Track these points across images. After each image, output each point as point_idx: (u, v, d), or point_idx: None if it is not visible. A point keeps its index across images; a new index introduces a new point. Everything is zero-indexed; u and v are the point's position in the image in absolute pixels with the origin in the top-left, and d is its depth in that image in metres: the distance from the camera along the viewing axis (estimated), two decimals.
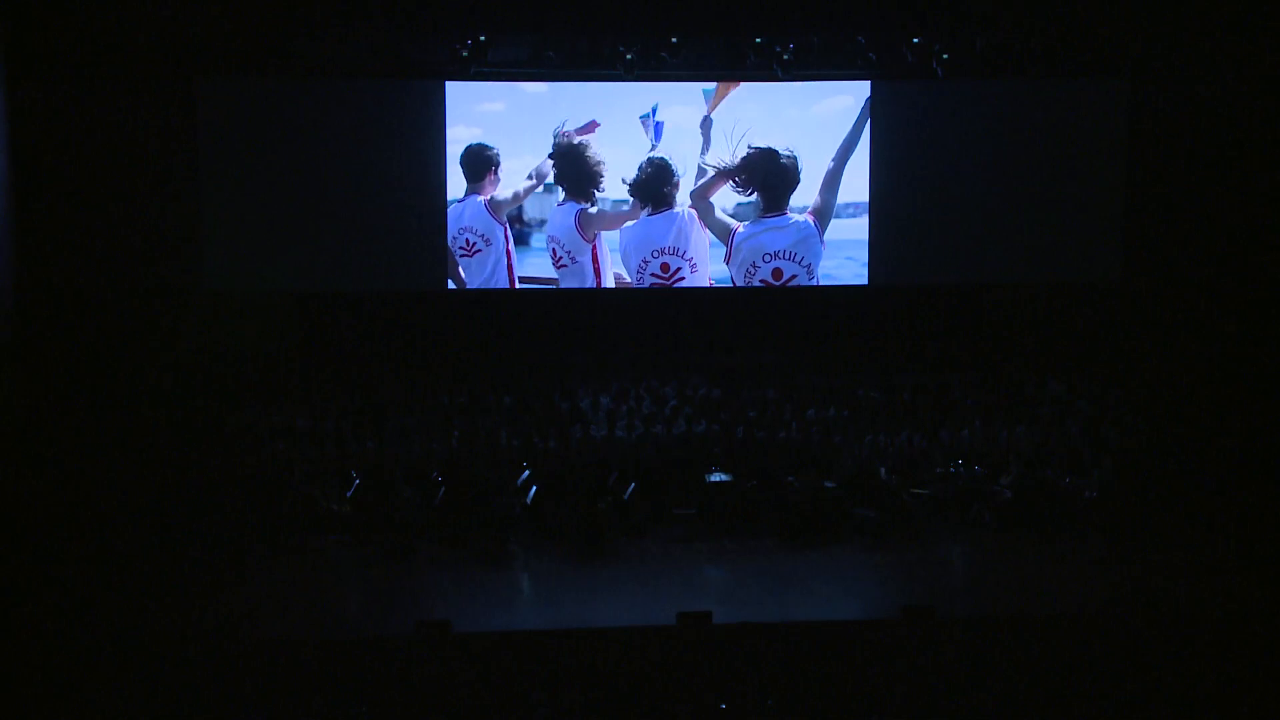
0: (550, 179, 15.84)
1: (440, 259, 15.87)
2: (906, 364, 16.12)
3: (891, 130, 16.19)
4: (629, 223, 15.95)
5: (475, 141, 15.80)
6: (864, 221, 16.28)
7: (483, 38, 14.81)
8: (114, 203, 14.85)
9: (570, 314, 16.31)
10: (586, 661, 9.27)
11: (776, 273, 16.15)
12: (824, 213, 16.11)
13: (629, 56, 14.98)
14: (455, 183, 15.81)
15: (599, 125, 15.74)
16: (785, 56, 15.17)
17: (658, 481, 13.09)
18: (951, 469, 13.14)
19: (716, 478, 12.95)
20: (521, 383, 15.39)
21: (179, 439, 13.66)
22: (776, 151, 15.87)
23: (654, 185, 15.81)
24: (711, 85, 15.65)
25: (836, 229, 16.25)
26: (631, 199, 15.84)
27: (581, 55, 15.30)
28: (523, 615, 10.85)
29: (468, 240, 15.96)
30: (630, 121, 15.86)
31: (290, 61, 14.94)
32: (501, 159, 15.83)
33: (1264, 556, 11.53)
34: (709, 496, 12.84)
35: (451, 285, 15.97)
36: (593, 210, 15.89)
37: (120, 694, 8.79)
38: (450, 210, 15.81)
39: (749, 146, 15.80)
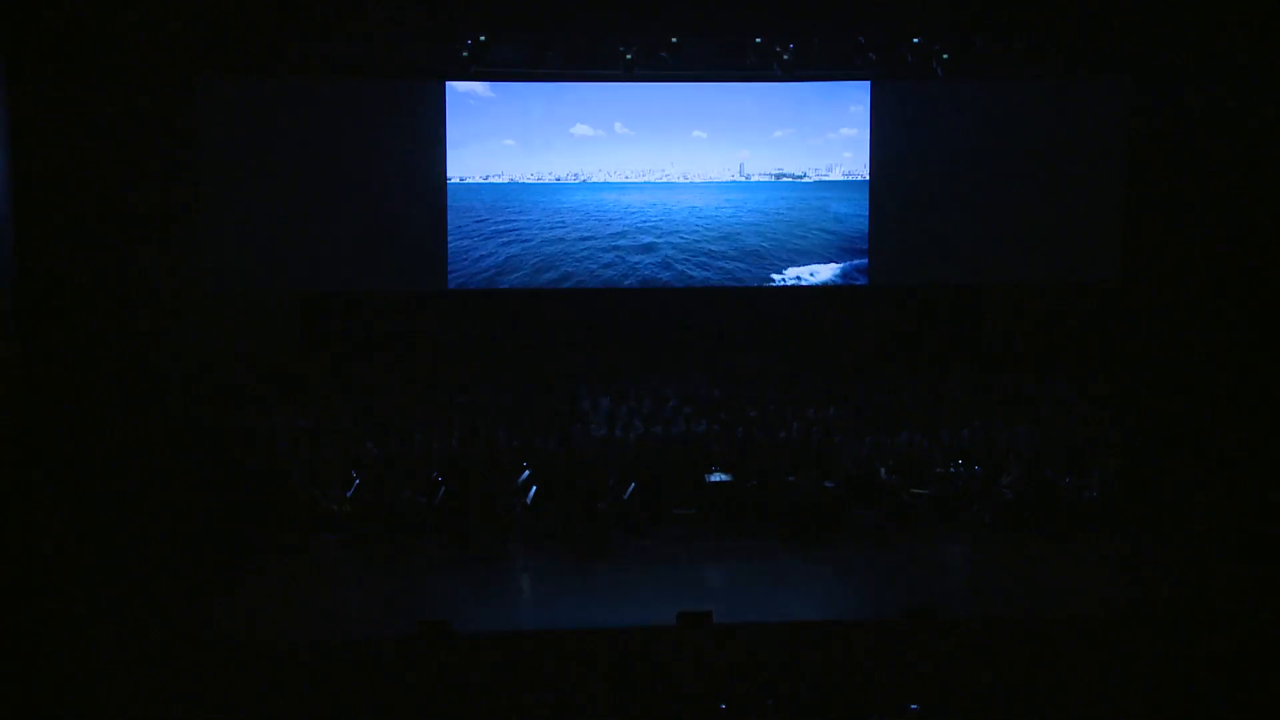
0: None
1: (441, 259, 15.88)
2: (906, 364, 16.11)
3: (891, 130, 16.20)
4: None
5: None
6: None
7: (483, 38, 14.81)
8: (114, 203, 14.84)
9: (570, 314, 16.31)
10: (586, 661, 9.27)
11: None
12: None
13: (629, 56, 14.98)
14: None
15: None
16: (785, 56, 15.17)
17: (658, 481, 13.10)
18: (951, 469, 13.14)
19: (716, 478, 12.95)
20: (521, 383, 15.40)
21: (179, 439, 13.66)
22: None
23: None
24: None
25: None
26: None
27: (581, 55, 15.30)
28: (523, 615, 10.84)
29: None
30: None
31: (290, 61, 14.93)
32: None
33: (1265, 556, 11.53)
34: (709, 496, 12.84)
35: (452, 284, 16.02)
36: None
37: (121, 694, 8.79)
38: None
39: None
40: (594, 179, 16.37)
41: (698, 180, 16.56)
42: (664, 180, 16.50)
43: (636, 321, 16.36)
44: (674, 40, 14.90)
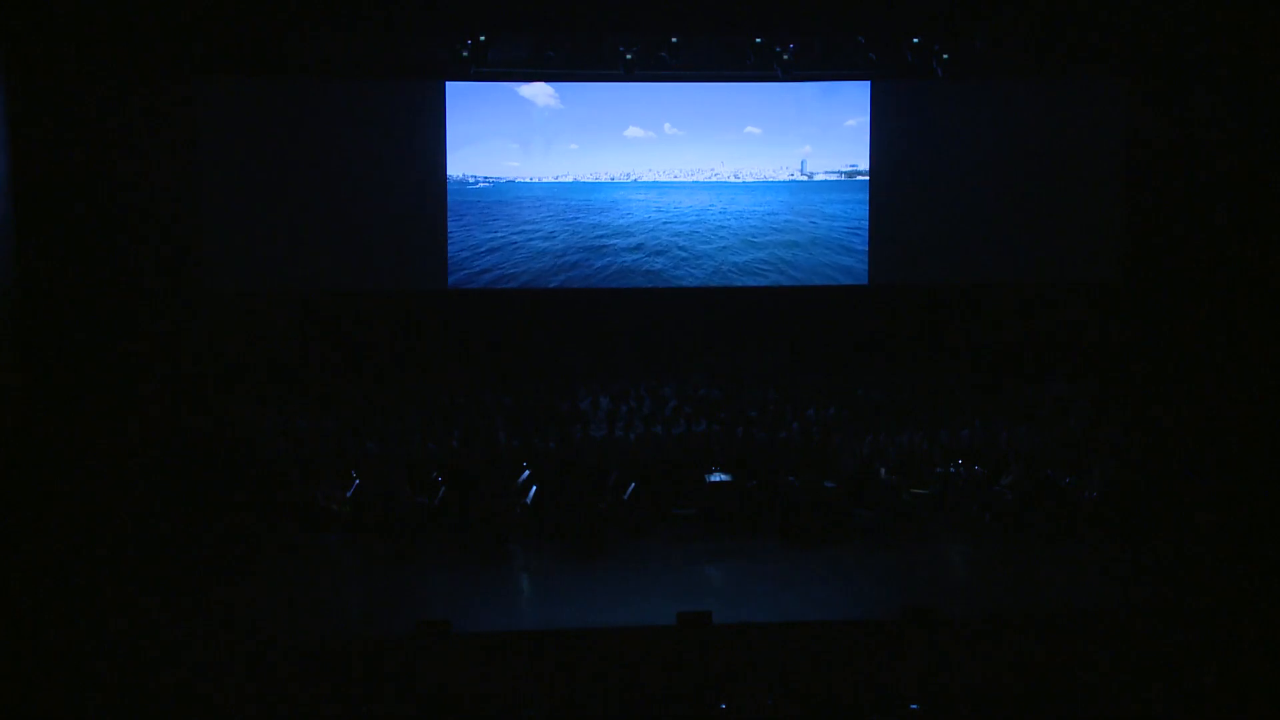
0: None
1: (441, 259, 15.89)
2: (906, 364, 16.11)
3: (891, 130, 16.20)
4: None
5: None
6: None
7: (483, 38, 14.81)
8: (114, 203, 14.84)
9: (570, 314, 16.32)
10: (586, 661, 9.27)
11: None
12: None
13: (629, 56, 14.98)
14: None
15: None
16: (785, 56, 15.17)
17: (658, 481, 13.09)
18: (951, 469, 13.14)
19: (716, 478, 12.95)
20: (521, 383, 15.40)
21: (179, 439, 13.66)
22: None
23: None
24: None
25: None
26: None
27: (581, 55, 15.30)
28: (523, 615, 10.84)
29: None
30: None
31: (290, 61, 14.93)
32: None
33: (1264, 556, 11.54)
34: (709, 496, 12.84)
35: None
36: None
37: (121, 694, 8.79)
38: None
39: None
40: (644, 179, 16.33)
41: (750, 180, 16.35)
42: (712, 180, 16.35)
43: (636, 321, 16.36)
44: (674, 40, 14.91)
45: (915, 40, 15.19)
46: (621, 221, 16.27)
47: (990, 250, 16.39)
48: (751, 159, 16.32)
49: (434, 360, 15.92)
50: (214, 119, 15.32)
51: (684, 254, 16.26)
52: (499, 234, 16.08)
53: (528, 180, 16.15)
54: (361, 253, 15.77)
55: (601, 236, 16.24)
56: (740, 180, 16.38)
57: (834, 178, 16.31)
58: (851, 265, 16.31)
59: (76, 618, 10.12)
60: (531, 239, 16.14)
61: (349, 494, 12.59)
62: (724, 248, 16.31)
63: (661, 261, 16.20)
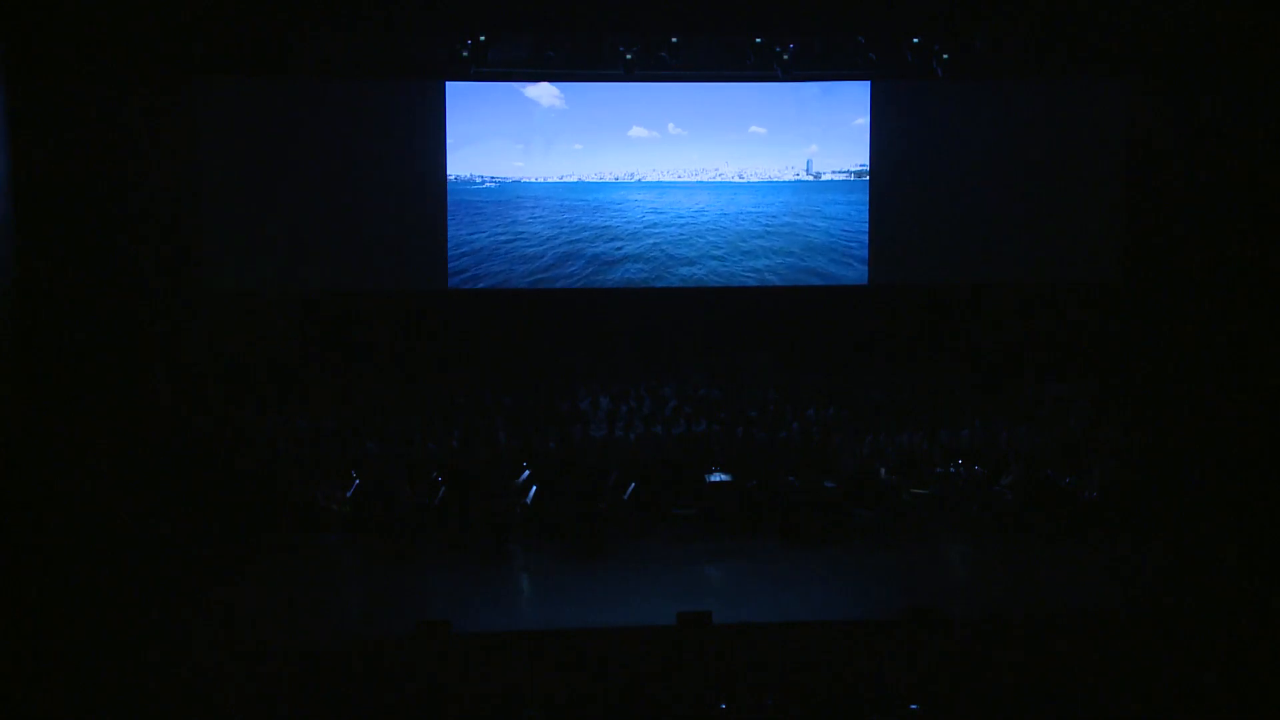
0: None
1: (441, 259, 15.89)
2: (906, 364, 16.11)
3: (891, 130, 16.20)
4: None
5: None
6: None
7: (483, 38, 14.81)
8: (114, 203, 14.84)
9: (570, 314, 16.31)
10: (586, 661, 9.27)
11: None
12: None
13: (629, 56, 14.98)
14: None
15: None
16: (785, 56, 15.17)
17: (658, 481, 13.09)
18: (951, 469, 13.14)
19: (716, 478, 12.95)
20: (521, 383, 15.40)
21: (178, 439, 13.67)
22: None
23: None
24: None
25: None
26: None
27: (581, 55, 15.30)
28: (523, 615, 10.84)
29: None
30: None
31: (290, 61, 14.93)
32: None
33: (1264, 556, 11.53)
34: (709, 496, 12.84)
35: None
36: None
37: (120, 694, 8.79)
38: None
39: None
40: (648, 179, 16.23)
41: (754, 180, 16.21)
42: (715, 180, 16.24)
43: (637, 321, 16.35)
44: (674, 40, 14.90)
45: (915, 40, 15.18)
46: (611, 223, 16.22)
47: (990, 250, 16.39)
48: (756, 159, 16.26)
49: (434, 360, 15.92)
50: (214, 119, 15.32)
51: (665, 258, 16.18)
52: (481, 233, 16.03)
53: (532, 180, 16.13)
54: (361, 253, 15.77)
55: (583, 240, 16.14)
56: (744, 180, 16.32)
57: (842, 177, 16.23)
58: (845, 275, 16.25)
59: (76, 618, 10.12)
60: (514, 240, 16.05)
61: (349, 494, 12.60)
62: (708, 253, 16.22)
63: (639, 268, 16.10)
